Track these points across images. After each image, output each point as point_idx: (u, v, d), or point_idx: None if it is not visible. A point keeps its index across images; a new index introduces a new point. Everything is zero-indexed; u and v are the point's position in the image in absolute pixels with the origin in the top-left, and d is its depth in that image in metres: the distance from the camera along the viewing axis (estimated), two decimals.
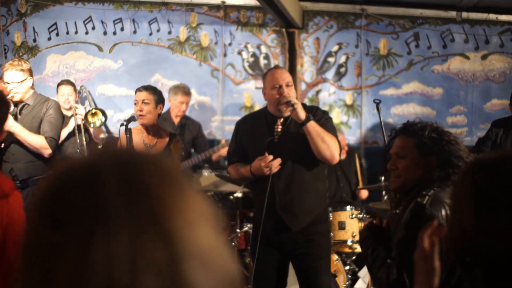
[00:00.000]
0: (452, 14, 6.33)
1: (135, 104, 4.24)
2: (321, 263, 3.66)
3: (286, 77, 3.64)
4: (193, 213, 0.68)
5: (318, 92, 6.52)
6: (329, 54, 6.52)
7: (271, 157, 3.54)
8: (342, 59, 6.52)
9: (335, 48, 6.52)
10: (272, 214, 3.56)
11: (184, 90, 5.91)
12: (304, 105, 3.69)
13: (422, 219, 2.20)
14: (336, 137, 3.61)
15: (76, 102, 5.68)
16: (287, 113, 3.60)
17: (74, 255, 0.62)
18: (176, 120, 5.85)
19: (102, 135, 5.32)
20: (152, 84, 6.22)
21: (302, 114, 3.49)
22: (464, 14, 6.31)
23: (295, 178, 3.62)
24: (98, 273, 0.61)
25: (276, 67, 3.90)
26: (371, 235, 2.51)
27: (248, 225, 4.92)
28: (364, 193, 5.70)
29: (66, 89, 5.59)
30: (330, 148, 3.51)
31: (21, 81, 4.26)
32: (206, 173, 5.83)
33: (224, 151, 5.64)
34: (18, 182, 4.26)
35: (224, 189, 5.44)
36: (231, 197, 5.58)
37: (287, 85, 3.60)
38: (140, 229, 0.64)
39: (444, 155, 2.38)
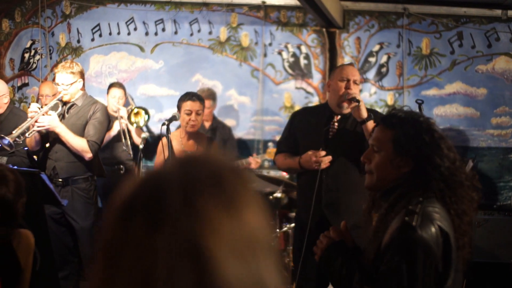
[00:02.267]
0: (497, 12, 6.19)
1: (187, 114, 4.29)
2: None
3: (355, 74, 3.68)
4: (237, 244, 0.76)
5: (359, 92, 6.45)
6: (370, 54, 6.45)
7: (324, 152, 3.53)
8: (383, 59, 6.44)
9: (376, 47, 6.45)
10: (316, 211, 3.54)
11: (204, 95, 5.90)
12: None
13: (411, 245, 1.95)
14: None
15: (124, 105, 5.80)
16: (347, 110, 3.61)
17: (134, 251, 0.76)
18: (207, 124, 5.90)
19: (143, 135, 5.39)
20: (193, 84, 6.33)
21: (364, 112, 3.50)
22: (510, 12, 6.15)
23: (344, 178, 3.60)
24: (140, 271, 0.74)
25: (349, 63, 3.94)
26: (340, 254, 2.17)
27: (288, 225, 4.90)
28: None
29: (117, 92, 5.76)
30: None
31: (71, 84, 4.36)
32: None
33: (253, 163, 5.67)
34: (59, 180, 4.38)
35: (263, 189, 5.44)
36: (271, 197, 5.58)
37: (355, 82, 3.62)
38: (178, 257, 0.73)
39: (418, 158, 2.07)
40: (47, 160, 4.43)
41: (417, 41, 6.37)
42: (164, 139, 4.19)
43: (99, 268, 0.78)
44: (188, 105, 4.31)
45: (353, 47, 6.48)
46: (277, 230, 5.02)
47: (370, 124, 3.47)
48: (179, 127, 4.57)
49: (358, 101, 3.49)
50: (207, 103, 5.90)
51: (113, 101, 5.69)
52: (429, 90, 6.36)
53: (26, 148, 4.80)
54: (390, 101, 6.44)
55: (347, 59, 6.47)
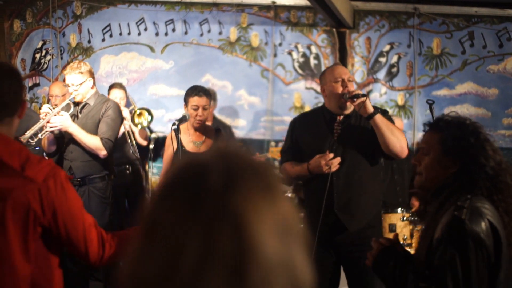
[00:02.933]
0: (509, 12, 6.15)
1: (194, 109, 4.30)
2: None
3: (347, 72, 3.63)
4: (274, 225, 0.81)
5: (369, 93, 6.43)
6: (381, 54, 6.44)
7: (331, 155, 3.50)
8: (394, 59, 6.42)
9: (387, 48, 6.43)
10: (329, 214, 3.51)
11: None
12: None
13: (462, 237, 2.04)
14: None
15: (126, 106, 5.83)
16: (349, 110, 3.57)
17: (169, 227, 0.80)
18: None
19: (153, 135, 5.42)
20: (203, 84, 6.34)
21: (371, 107, 3.43)
22: None
23: (354, 178, 3.56)
24: (174, 246, 0.79)
25: (336, 63, 3.88)
26: (392, 258, 2.29)
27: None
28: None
29: (119, 93, 5.75)
30: (400, 141, 3.42)
31: (80, 83, 4.38)
32: None
33: None
34: (76, 179, 4.40)
35: None
36: None
37: (349, 80, 3.57)
38: (218, 231, 0.78)
39: (465, 159, 2.18)
40: (63, 161, 4.46)
41: (428, 41, 6.35)
42: (173, 133, 4.22)
43: (137, 242, 0.84)
44: (195, 100, 4.32)
45: (363, 47, 6.47)
46: None
47: (378, 117, 3.41)
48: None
49: (364, 95, 3.43)
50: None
51: None
52: (440, 90, 6.33)
53: (37, 148, 4.83)
54: (400, 101, 6.42)
55: (357, 59, 6.46)
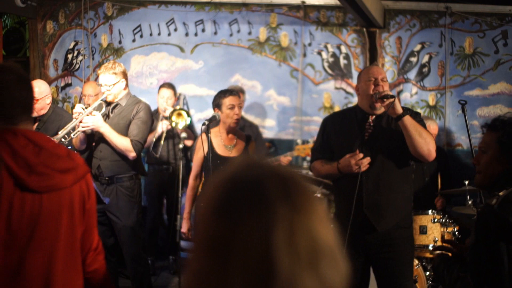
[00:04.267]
0: None
1: (231, 108, 4.34)
2: (405, 268, 3.56)
3: (381, 72, 3.62)
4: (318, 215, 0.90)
5: (399, 93, 6.37)
6: (411, 54, 6.36)
7: (361, 155, 3.49)
8: (425, 58, 6.34)
9: (418, 47, 6.36)
10: (358, 214, 3.49)
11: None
12: None
13: (490, 222, 2.14)
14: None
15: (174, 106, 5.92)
16: (380, 110, 3.55)
17: (248, 246, 0.85)
18: None
19: (183, 134, 5.44)
20: (232, 84, 6.37)
21: (400, 108, 3.41)
22: None
23: (384, 178, 3.54)
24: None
25: (374, 63, 3.87)
26: (442, 260, 2.47)
27: None
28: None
29: (166, 92, 5.95)
30: (428, 144, 3.39)
31: (114, 84, 4.43)
32: None
33: (284, 162, 5.68)
34: (106, 178, 4.45)
35: None
36: None
37: (382, 80, 3.55)
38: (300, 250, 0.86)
39: None
40: (92, 159, 4.52)
41: (460, 40, 6.26)
42: (203, 136, 4.26)
43: (204, 264, 0.86)
44: (230, 99, 4.37)
45: (394, 46, 6.40)
46: None
47: (407, 119, 3.39)
48: (216, 124, 4.60)
49: (393, 96, 3.41)
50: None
51: (162, 101, 5.90)
52: (472, 91, 6.23)
53: (70, 148, 4.90)
54: (431, 102, 6.34)
55: (387, 59, 6.40)
